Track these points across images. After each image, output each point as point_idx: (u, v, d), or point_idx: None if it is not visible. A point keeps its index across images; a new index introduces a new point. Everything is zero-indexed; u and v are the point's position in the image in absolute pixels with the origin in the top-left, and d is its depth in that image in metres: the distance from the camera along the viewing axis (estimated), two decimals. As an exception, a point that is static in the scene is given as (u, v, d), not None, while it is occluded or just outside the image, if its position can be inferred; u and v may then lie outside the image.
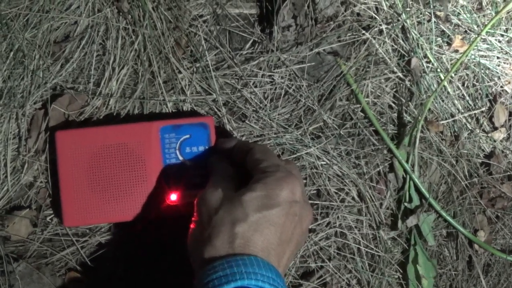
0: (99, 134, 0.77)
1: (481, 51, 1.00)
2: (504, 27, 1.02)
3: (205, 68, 0.87)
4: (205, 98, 0.87)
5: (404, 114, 0.95)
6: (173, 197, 0.78)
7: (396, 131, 0.95)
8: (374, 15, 0.94)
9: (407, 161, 0.93)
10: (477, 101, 1.00)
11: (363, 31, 0.93)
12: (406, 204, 0.93)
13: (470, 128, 0.99)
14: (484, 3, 1.01)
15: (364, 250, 0.91)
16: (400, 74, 0.95)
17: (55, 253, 0.82)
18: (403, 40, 0.95)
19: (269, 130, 0.88)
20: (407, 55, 0.95)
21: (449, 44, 0.98)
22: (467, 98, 0.99)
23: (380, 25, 0.94)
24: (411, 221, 0.92)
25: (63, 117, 0.83)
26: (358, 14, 0.94)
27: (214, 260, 0.60)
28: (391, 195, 0.94)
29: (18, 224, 0.81)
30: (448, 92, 0.98)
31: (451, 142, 0.98)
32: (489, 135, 1.00)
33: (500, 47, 1.01)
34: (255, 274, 0.58)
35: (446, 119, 0.98)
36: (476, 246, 0.98)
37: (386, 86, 0.95)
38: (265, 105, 0.89)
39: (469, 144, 0.99)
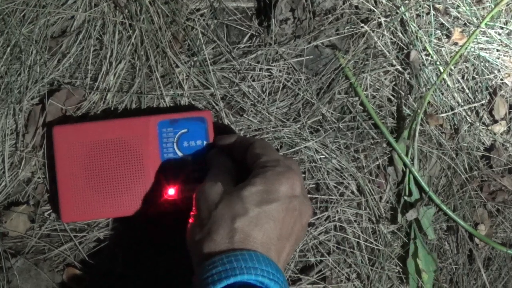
0: (97, 129, 0.77)
1: (481, 43, 1.00)
2: (504, 20, 1.01)
3: (202, 62, 0.87)
4: (203, 92, 0.86)
5: (404, 107, 0.94)
6: (171, 191, 0.78)
7: (395, 124, 0.95)
8: (372, 7, 0.94)
9: (406, 155, 0.93)
10: (477, 94, 1.00)
11: (362, 24, 0.93)
12: (405, 197, 0.93)
13: (470, 121, 0.99)
14: (483, -5, 1.01)
15: (364, 244, 0.91)
16: (399, 67, 0.95)
17: (53, 248, 0.82)
18: (402, 33, 0.95)
19: (267, 124, 0.88)
20: (406, 48, 0.95)
21: (448, 36, 0.98)
22: (467, 91, 0.99)
23: (379, 18, 0.93)
24: (411, 214, 0.92)
25: (60, 112, 0.83)
26: (357, 7, 0.94)
27: (214, 255, 0.60)
28: (391, 188, 0.94)
29: (16, 220, 0.81)
30: (448, 85, 0.98)
31: (451, 135, 0.98)
32: (489, 128, 1.00)
33: (499, 39, 1.00)
34: (255, 269, 0.57)
35: (445, 112, 0.97)
36: (476, 240, 0.98)
37: (385, 79, 0.94)
38: (263, 98, 0.88)
39: (469, 137, 0.99)
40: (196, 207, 0.68)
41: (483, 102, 1.00)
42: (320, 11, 0.90)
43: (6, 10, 0.84)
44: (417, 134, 0.93)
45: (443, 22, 0.98)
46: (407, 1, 0.95)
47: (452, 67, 0.97)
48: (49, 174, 0.82)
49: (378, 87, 0.94)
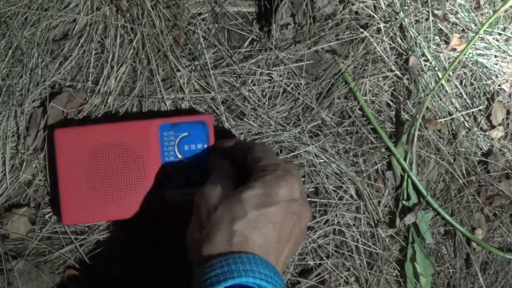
0: (98, 132, 0.78)
1: (479, 49, 1.00)
2: (502, 26, 1.02)
3: (203, 66, 0.87)
4: (204, 96, 0.87)
5: (402, 112, 0.95)
6: (172, 195, 0.78)
7: (394, 129, 0.95)
8: (372, 13, 0.94)
9: (405, 159, 0.94)
10: (474, 99, 1.00)
11: (361, 30, 0.94)
12: (404, 202, 0.93)
13: (468, 126, 0.99)
14: (482, 2, 1.01)
15: (362, 247, 0.91)
16: (398, 73, 0.95)
17: (54, 251, 0.82)
18: (401, 39, 0.96)
19: (267, 128, 0.88)
20: (405, 54, 0.95)
21: (447, 42, 0.99)
22: (465, 96, 1.00)
23: (378, 23, 0.94)
24: (409, 219, 0.92)
25: (61, 115, 0.83)
26: (356, 13, 0.95)
27: (213, 257, 0.60)
28: (389, 193, 0.94)
29: (16, 222, 0.81)
30: (446, 91, 0.98)
31: (449, 140, 0.98)
32: (487, 133, 1.01)
33: (497, 45, 1.01)
34: (253, 272, 0.58)
35: (444, 117, 0.98)
36: (474, 244, 0.98)
37: (384, 84, 0.95)
38: (264, 103, 0.89)
39: (467, 142, 0.99)
40: (196, 210, 0.68)
41: (481, 107, 1.00)
42: (320, 16, 0.91)
43: (8, 12, 0.84)
44: (415, 139, 0.94)
45: (442, 28, 0.98)
46: (406, 7, 0.96)
47: (451, 73, 0.98)
48: (50, 177, 0.82)
49: (377, 92, 0.95)
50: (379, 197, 0.94)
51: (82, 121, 0.84)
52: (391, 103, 0.96)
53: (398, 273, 0.94)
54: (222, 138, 0.80)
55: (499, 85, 1.01)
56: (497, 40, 1.01)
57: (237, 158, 0.75)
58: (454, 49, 0.98)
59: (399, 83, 0.96)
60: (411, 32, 0.95)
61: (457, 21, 1.00)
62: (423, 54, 0.96)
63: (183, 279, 0.82)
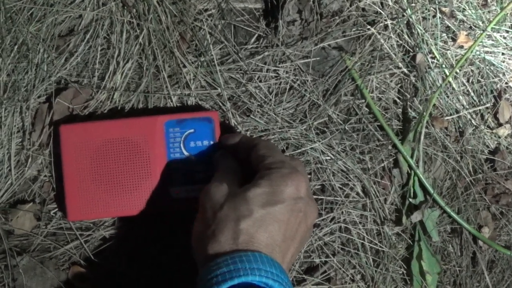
0: (103, 128, 0.77)
1: (486, 47, 1.00)
2: (509, 23, 1.02)
3: (210, 63, 0.87)
4: (210, 93, 0.87)
5: (409, 109, 0.94)
6: (177, 192, 0.78)
7: (400, 127, 0.95)
8: (379, 10, 0.94)
9: (411, 157, 0.93)
10: (482, 97, 1.00)
11: (368, 26, 0.93)
12: (410, 199, 0.93)
13: (475, 124, 0.99)
14: (489, -1, 1.01)
15: (368, 245, 0.91)
16: (405, 70, 0.95)
17: (59, 247, 0.82)
18: (408, 36, 0.95)
19: (273, 125, 0.88)
20: (412, 51, 0.95)
21: (454, 40, 0.98)
22: (472, 94, 0.99)
23: (385, 20, 0.94)
24: (416, 216, 0.92)
25: (67, 111, 0.83)
26: (363, 9, 0.94)
27: (218, 256, 0.60)
28: (396, 190, 0.94)
29: (22, 218, 0.81)
30: (453, 88, 0.98)
31: (456, 138, 0.98)
32: (494, 131, 1.00)
33: (505, 43, 1.01)
34: (259, 270, 0.57)
35: (451, 115, 0.97)
36: (480, 242, 0.98)
37: (391, 81, 0.95)
38: (270, 99, 0.89)
39: (474, 140, 0.99)
40: (201, 208, 0.68)
41: (488, 105, 1.00)
42: (327, 13, 0.90)
43: (14, 8, 0.84)
44: (422, 136, 0.93)
45: (449, 25, 0.98)
46: (413, 4, 0.95)
47: (458, 70, 0.98)
48: (56, 173, 0.82)
49: (384, 89, 0.94)
50: (386, 194, 0.93)
51: (88, 117, 0.84)
52: (398, 100, 0.95)
53: (404, 271, 0.94)
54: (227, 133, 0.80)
55: (506, 83, 1.01)
56: (505, 38, 1.01)
57: (240, 155, 0.75)
58: (461, 46, 0.98)
59: (406, 80, 0.95)
60: (418, 29, 0.95)
61: (464, 18, 0.99)
62: (430, 51, 0.96)
63: (187, 277, 0.82)
